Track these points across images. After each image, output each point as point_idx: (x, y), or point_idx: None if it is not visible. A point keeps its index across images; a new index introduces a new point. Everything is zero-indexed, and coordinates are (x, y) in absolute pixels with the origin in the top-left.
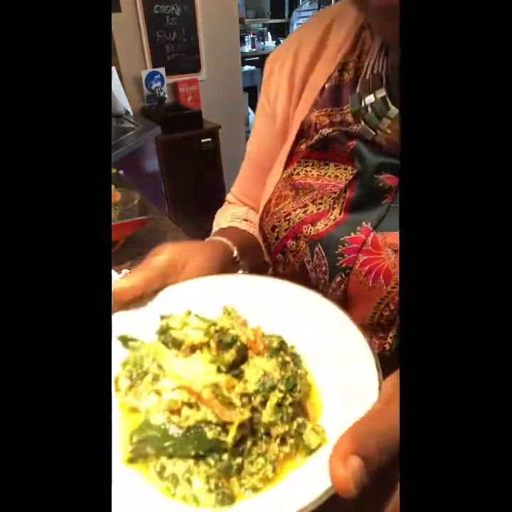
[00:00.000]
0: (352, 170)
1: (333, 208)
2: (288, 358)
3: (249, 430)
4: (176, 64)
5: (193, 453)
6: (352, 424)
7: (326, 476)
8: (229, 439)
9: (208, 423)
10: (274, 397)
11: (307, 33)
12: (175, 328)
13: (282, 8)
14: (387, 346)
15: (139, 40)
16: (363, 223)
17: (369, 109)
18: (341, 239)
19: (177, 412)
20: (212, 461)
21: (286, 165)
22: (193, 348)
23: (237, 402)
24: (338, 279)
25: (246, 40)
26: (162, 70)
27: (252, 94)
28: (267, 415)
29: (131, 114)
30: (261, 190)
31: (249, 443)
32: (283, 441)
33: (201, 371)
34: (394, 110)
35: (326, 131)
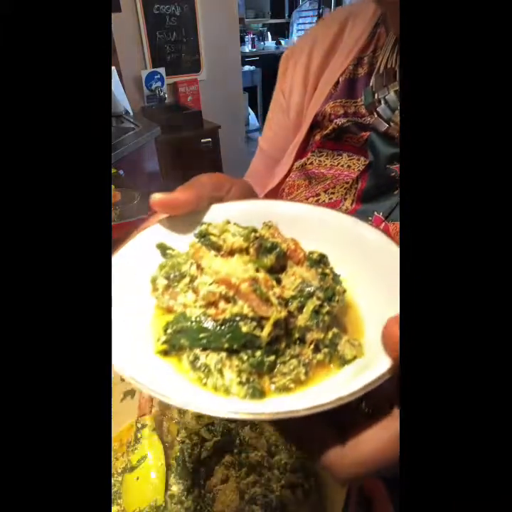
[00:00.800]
0: (365, 160)
1: (345, 199)
2: (327, 271)
3: (285, 331)
4: (176, 64)
5: (226, 346)
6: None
7: (360, 383)
8: (264, 334)
9: (244, 317)
10: (311, 304)
11: (322, 30)
12: (214, 233)
13: (282, 8)
14: None
15: (139, 40)
16: (375, 213)
17: (382, 102)
18: None
19: (213, 305)
20: (244, 356)
21: (299, 156)
22: (232, 253)
23: (274, 300)
24: None
25: (246, 40)
26: (162, 70)
27: (252, 94)
28: (302, 319)
29: (131, 114)
30: (270, 182)
31: (283, 344)
32: (317, 348)
33: (241, 269)
34: None
35: (340, 120)
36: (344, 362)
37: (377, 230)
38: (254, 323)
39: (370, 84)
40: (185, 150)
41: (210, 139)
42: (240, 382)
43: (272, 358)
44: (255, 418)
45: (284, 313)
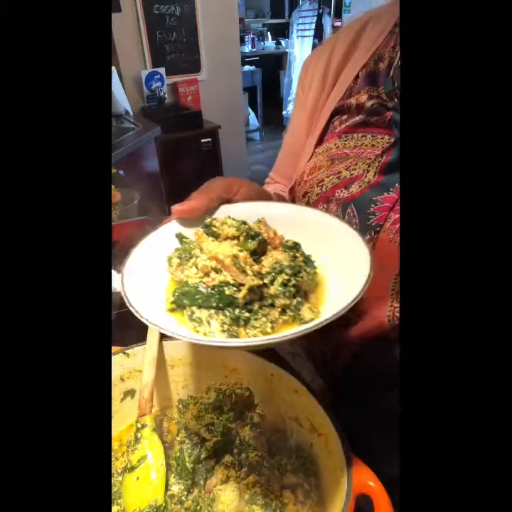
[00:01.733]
0: (389, 138)
1: (368, 171)
2: (298, 254)
3: (259, 297)
4: (175, 64)
5: (214, 304)
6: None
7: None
8: (240, 296)
9: (227, 284)
10: (281, 278)
11: (344, 31)
12: (216, 225)
13: (282, 8)
14: None
15: (139, 40)
16: (396, 184)
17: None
18: (374, 198)
19: (207, 275)
20: (227, 313)
21: (319, 143)
22: (227, 239)
23: (249, 271)
24: (368, 236)
25: (246, 40)
26: (162, 70)
27: (252, 94)
28: (273, 289)
29: (131, 114)
30: (293, 171)
31: (256, 306)
32: (283, 311)
33: (228, 249)
34: None
35: (370, 103)
36: (304, 322)
37: (347, 226)
38: (235, 289)
39: (390, 74)
40: (185, 150)
41: (210, 139)
42: (222, 331)
43: (247, 315)
44: (227, 345)
45: (256, 282)
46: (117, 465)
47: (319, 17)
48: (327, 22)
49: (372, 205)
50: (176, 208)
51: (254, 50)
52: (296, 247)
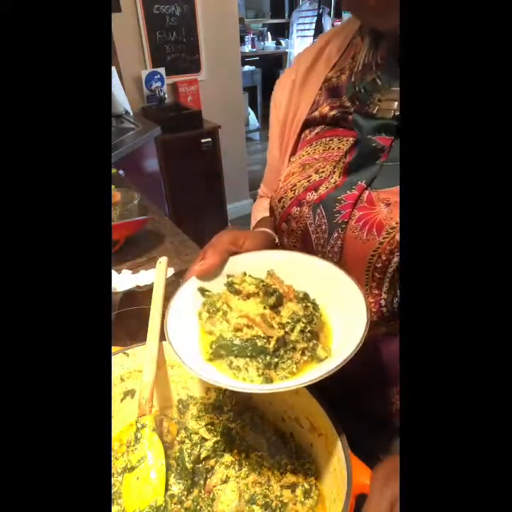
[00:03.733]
0: (353, 140)
1: (334, 173)
2: (309, 304)
3: (283, 344)
4: (176, 64)
5: (249, 354)
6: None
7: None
8: (270, 346)
9: (258, 337)
10: (299, 326)
11: (306, 51)
12: (236, 282)
13: (282, 8)
14: (382, 302)
15: (138, 40)
16: (358, 182)
17: (361, 90)
18: (338, 197)
19: (240, 330)
20: (259, 360)
21: (293, 154)
22: (248, 296)
23: (276, 325)
24: (335, 235)
25: (246, 40)
26: (162, 70)
27: (252, 94)
28: (294, 336)
29: (131, 114)
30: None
31: (282, 351)
32: (303, 353)
33: (255, 308)
34: (382, 86)
35: (332, 112)
36: (320, 360)
37: (342, 271)
38: (265, 340)
39: (352, 80)
40: (185, 150)
41: (210, 139)
42: (258, 375)
43: (276, 360)
44: (268, 391)
45: (281, 333)
46: (117, 465)
47: (319, 17)
48: (327, 22)
49: (337, 204)
50: (195, 269)
51: (254, 50)
52: (306, 297)
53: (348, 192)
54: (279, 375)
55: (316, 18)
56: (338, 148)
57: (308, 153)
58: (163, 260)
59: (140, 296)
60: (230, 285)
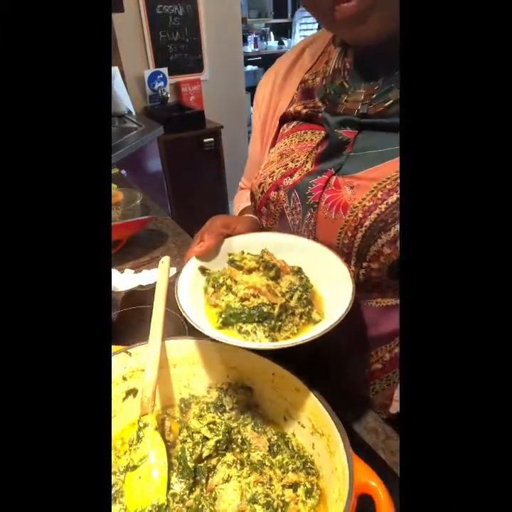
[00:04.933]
0: (324, 134)
1: (307, 162)
2: (303, 276)
3: (284, 309)
4: (178, 64)
5: (256, 319)
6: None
7: (324, 328)
8: (275, 311)
9: (264, 304)
10: (296, 294)
11: (285, 57)
12: (237, 260)
13: (285, 8)
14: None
15: (141, 40)
16: (328, 169)
17: (331, 92)
18: (310, 182)
19: (247, 299)
20: (265, 324)
21: (272, 146)
22: (250, 270)
23: (278, 294)
24: (308, 214)
25: (249, 39)
26: (165, 70)
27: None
28: (293, 302)
29: (134, 113)
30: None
31: (284, 316)
32: (301, 317)
33: (259, 280)
34: (348, 89)
35: (304, 111)
36: (315, 322)
37: (324, 247)
38: (270, 307)
39: (323, 83)
40: (188, 150)
41: (212, 139)
42: (265, 337)
43: (279, 323)
44: (273, 347)
45: (284, 300)
46: (119, 463)
47: None
48: None
49: (309, 187)
50: (195, 250)
51: (257, 50)
52: (300, 270)
53: (318, 177)
54: (282, 336)
55: None
56: (311, 139)
57: (286, 145)
58: (165, 260)
59: (142, 296)
60: (232, 262)
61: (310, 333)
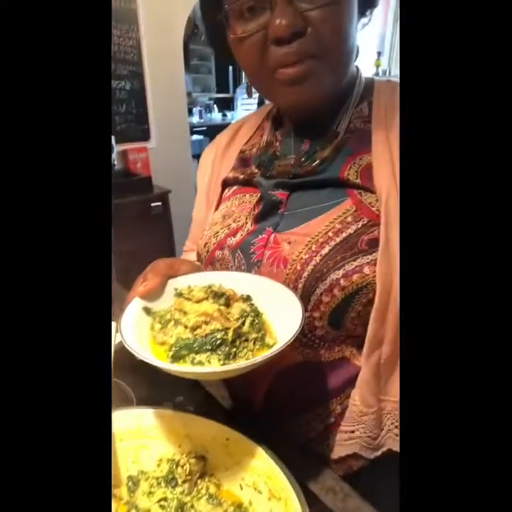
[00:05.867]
0: (258, 195)
1: (247, 222)
2: (253, 302)
3: (238, 336)
4: (125, 133)
5: (209, 347)
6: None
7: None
8: (229, 336)
9: (217, 330)
10: (248, 319)
11: (225, 133)
12: (185, 292)
13: (227, 84)
14: None
15: None
16: (266, 228)
17: (265, 160)
18: (252, 241)
19: (198, 328)
20: (220, 352)
21: (216, 209)
22: (198, 301)
23: (231, 318)
24: (253, 271)
25: (194, 112)
26: (112, 139)
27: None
28: (245, 328)
29: None
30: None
31: (238, 342)
32: (255, 342)
33: (210, 307)
34: (280, 156)
35: (242, 176)
36: (269, 347)
37: (270, 279)
38: (223, 333)
39: (258, 153)
40: (136, 214)
41: (160, 203)
42: (221, 365)
43: (234, 349)
44: (233, 368)
45: (238, 324)
46: None
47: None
48: None
49: (252, 246)
50: (138, 290)
51: (202, 120)
52: (249, 298)
53: (259, 236)
54: (236, 363)
55: (258, 94)
56: (250, 201)
57: (228, 207)
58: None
59: None
60: (179, 295)
61: (264, 356)
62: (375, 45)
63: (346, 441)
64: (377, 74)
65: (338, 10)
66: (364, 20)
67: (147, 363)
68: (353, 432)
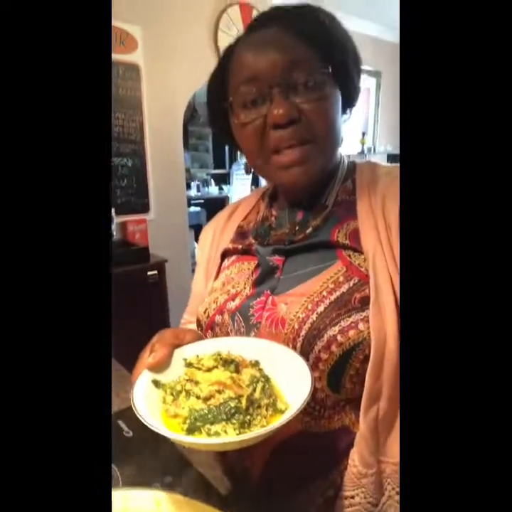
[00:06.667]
0: (256, 262)
1: (246, 287)
2: (261, 367)
3: (251, 403)
4: (126, 206)
5: (224, 417)
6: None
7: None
8: (243, 404)
9: (230, 399)
10: (259, 385)
11: (224, 212)
12: (194, 362)
13: (223, 160)
14: None
15: None
16: (264, 291)
17: (262, 231)
18: (251, 304)
19: (212, 397)
20: (234, 421)
21: (215, 279)
22: (209, 370)
23: (243, 385)
24: (253, 334)
25: (192, 185)
26: (112, 211)
27: (198, 231)
28: (257, 394)
29: None
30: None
31: (251, 409)
32: (267, 408)
33: (222, 375)
34: (275, 228)
35: (240, 246)
36: (281, 412)
37: (279, 345)
38: (236, 401)
39: (255, 227)
40: (133, 283)
41: (156, 272)
42: (236, 435)
43: (249, 417)
44: (248, 438)
45: (250, 391)
46: None
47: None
48: None
49: (251, 309)
50: (149, 362)
51: (200, 194)
52: (257, 363)
53: (257, 299)
54: (253, 431)
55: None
56: (248, 268)
57: (227, 275)
58: None
59: None
60: (189, 365)
61: (278, 422)
62: (360, 126)
63: (347, 509)
64: (362, 151)
65: (327, 104)
66: (345, 116)
67: (158, 436)
68: (352, 497)
